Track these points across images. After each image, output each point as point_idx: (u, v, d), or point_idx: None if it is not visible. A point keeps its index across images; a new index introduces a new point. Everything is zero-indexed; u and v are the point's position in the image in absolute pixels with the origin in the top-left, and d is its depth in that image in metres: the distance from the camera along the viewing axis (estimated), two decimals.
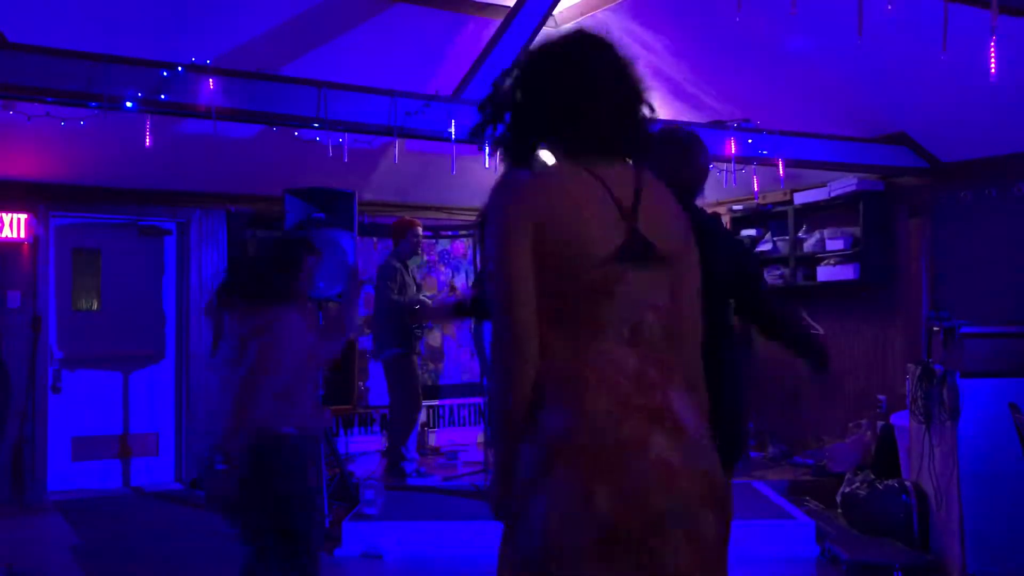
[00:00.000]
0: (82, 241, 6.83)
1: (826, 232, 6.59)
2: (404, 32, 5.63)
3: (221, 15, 5.16)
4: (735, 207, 7.32)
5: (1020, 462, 4.02)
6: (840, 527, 5.22)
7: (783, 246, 6.96)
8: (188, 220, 6.98)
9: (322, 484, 5.15)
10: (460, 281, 7.99)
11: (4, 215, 6.26)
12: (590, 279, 1.69)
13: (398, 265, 6.36)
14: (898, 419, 5.40)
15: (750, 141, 5.56)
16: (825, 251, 6.55)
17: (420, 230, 6.53)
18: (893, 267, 6.29)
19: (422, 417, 6.96)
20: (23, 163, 6.01)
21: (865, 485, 5.22)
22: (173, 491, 6.73)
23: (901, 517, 4.89)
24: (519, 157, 1.80)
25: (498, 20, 5.11)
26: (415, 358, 6.50)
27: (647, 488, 1.57)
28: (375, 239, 7.38)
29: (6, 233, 6.27)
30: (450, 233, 7.84)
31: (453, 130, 4.67)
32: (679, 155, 2.77)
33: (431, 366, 7.79)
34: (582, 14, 5.69)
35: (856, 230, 6.33)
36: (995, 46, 3.79)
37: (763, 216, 7.20)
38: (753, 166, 5.79)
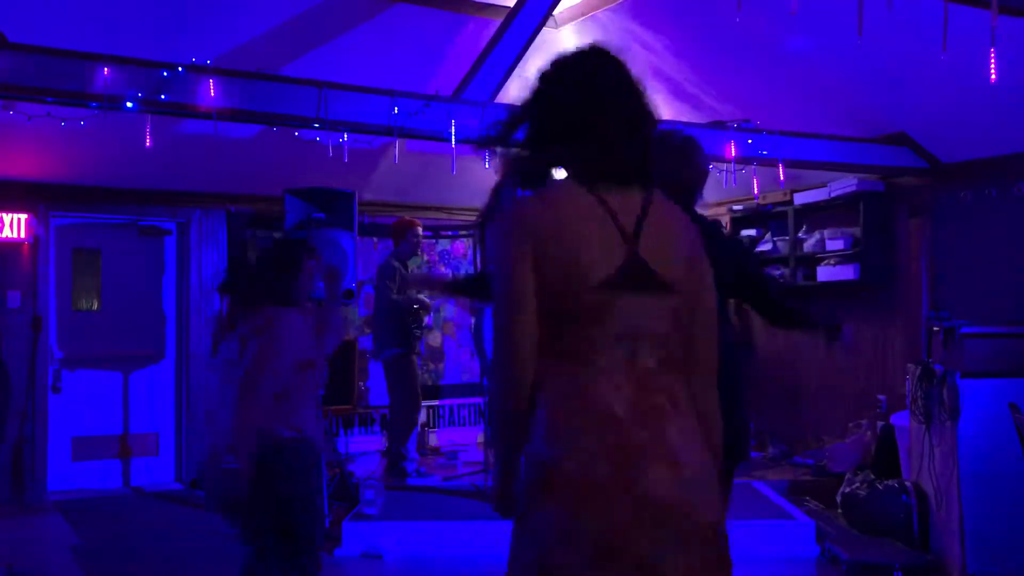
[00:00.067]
0: (82, 241, 6.83)
1: (826, 232, 6.58)
2: (404, 32, 5.63)
3: (221, 15, 5.16)
4: (735, 207, 7.32)
5: (1020, 462, 4.02)
6: (840, 527, 5.21)
7: (783, 246, 6.96)
8: (188, 220, 6.98)
9: (323, 485, 5.15)
10: None
11: (4, 215, 6.26)
12: (586, 301, 1.66)
13: (398, 265, 6.36)
14: (898, 419, 5.40)
15: (750, 141, 5.56)
16: (825, 251, 6.55)
17: (420, 230, 6.54)
18: (893, 267, 6.29)
19: (422, 417, 6.96)
20: (23, 163, 6.01)
21: (865, 485, 5.22)
22: (173, 491, 6.73)
23: (901, 517, 4.89)
24: (532, 179, 1.79)
25: (498, 20, 5.11)
26: (415, 358, 6.50)
27: (634, 523, 1.56)
28: (375, 239, 7.38)
29: (6, 233, 6.27)
30: (450, 233, 7.84)
31: (453, 130, 4.67)
32: (677, 158, 2.77)
33: (431, 366, 7.79)
34: (582, 14, 5.69)
35: (856, 230, 6.33)
36: (995, 46, 3.79)
37: (763, 216, 7.20)
38: (753, 166, 5.79)
